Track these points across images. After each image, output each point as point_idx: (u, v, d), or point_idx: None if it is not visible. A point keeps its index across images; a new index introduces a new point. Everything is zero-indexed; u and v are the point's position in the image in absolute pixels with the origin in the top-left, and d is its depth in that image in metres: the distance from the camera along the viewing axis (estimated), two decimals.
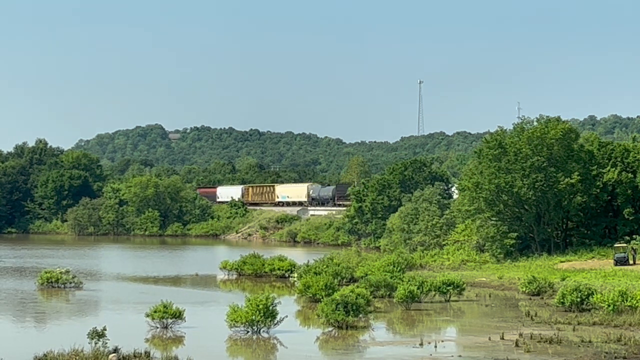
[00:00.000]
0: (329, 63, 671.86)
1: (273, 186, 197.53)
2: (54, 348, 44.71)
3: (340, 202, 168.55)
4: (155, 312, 56.01)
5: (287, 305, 63.67)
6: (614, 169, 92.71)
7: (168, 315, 55.84)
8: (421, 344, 50.20)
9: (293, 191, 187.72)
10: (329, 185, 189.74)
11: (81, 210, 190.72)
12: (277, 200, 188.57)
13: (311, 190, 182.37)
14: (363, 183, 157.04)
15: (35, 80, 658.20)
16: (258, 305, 54.18)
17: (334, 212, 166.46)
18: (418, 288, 67.88)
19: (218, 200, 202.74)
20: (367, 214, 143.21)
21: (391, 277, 74.17)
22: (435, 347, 49.71)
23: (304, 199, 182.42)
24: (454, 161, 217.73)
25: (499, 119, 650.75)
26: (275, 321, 54.64)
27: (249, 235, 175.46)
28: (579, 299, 62.85)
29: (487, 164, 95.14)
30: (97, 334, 46.85)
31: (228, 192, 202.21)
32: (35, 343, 49.30)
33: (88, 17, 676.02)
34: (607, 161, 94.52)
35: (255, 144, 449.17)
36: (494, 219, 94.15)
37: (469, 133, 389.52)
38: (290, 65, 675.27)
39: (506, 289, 77.94)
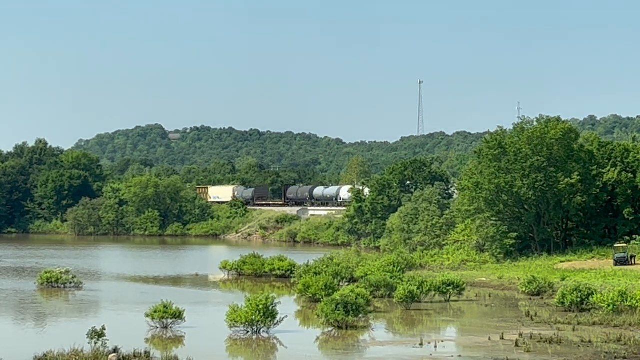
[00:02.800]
0: (329, 63, 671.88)
1: (207, 187, 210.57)
2: (54, 348, 44.73)
3: (259, 202, 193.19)
4: (155, 312, 56.02)
5: (287, 305, 63.67)
6: (614, 169, 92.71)
7: (168, 315, 55.85)
8: (421, 344, 50.21)
9: (222, 192, 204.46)
10: (251, 187, 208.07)
11: (81, 210, 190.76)
12: (210, 200, 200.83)
13: (236, 192, 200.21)
14: (363, 182, 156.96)
15: (35, 80, 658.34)
16: (258, 305, 54.18)
17: (333, 212, 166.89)
18: (418, 288, 67.87)
19: None
20: (367, 214, 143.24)
21: (391, 277, 74.14)
22: (435, 347, 49.71)
23: (229, 199, 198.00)
24: (454, 161, 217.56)
25: (499, 119, 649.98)
26: (275, 321, 54.65)
27: (249, 235, 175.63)
28: (579, 299, 62.87)
29: (487, 164, 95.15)
30: (97, 334, 46.87)
31: None
32: (35, 343, 49.33)
33: (88, 17, 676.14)
34: (607, 161, 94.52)
35: (255, 144, 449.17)
36: (494, 219, 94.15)
37: (469, 133, 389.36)
38: (291, 65, 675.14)
39: (506, 289, 77.94)
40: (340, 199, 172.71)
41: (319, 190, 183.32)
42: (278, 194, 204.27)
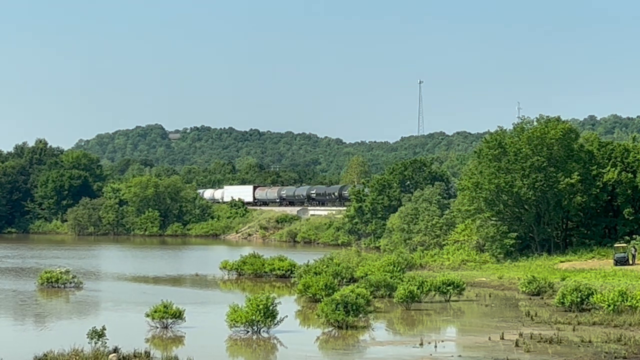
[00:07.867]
0: (328, 63, 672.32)
1: None
2: (54, 348, 44.67)
3: None
4: (155, 312, 55.98)
5: (287, 305, 63.64)
6: (614, 169, 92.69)
7: (168, 315, 55.82)
8: (421, 344, 50.19)
9: None
10: None
11: (81, 210, 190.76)
12: None
13: None
14: (363, 183, 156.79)
15: (35, 80, 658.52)
16: (258, 305, 54.15)
17: (334, 212, 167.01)
18: (418, 288, 67.83)
19: None
20: (367, 214, 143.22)
21: (391, 277, 74.11)
22: (435, 347, 49.68)
23: None
24: (454, 161, 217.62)
25: (499, 119, 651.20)
26: (275, 321, 54.60)
27: (249, 235, 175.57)
28: (579, 299, 62.82)
29: (487, 164, 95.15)
30: (97, 334, 46.85)
31: None
32: (35, 343, 49.27)
33: (88, 17, 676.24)
34: (607, 161, 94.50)
35: (255, 144, 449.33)
36: (494, 219, 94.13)
37: (469, 133, 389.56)
38: (290, 65, 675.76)
39: (506, 289, 77.92)
40: (222, 200, 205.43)
41: (209, 192, 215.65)
42: None
